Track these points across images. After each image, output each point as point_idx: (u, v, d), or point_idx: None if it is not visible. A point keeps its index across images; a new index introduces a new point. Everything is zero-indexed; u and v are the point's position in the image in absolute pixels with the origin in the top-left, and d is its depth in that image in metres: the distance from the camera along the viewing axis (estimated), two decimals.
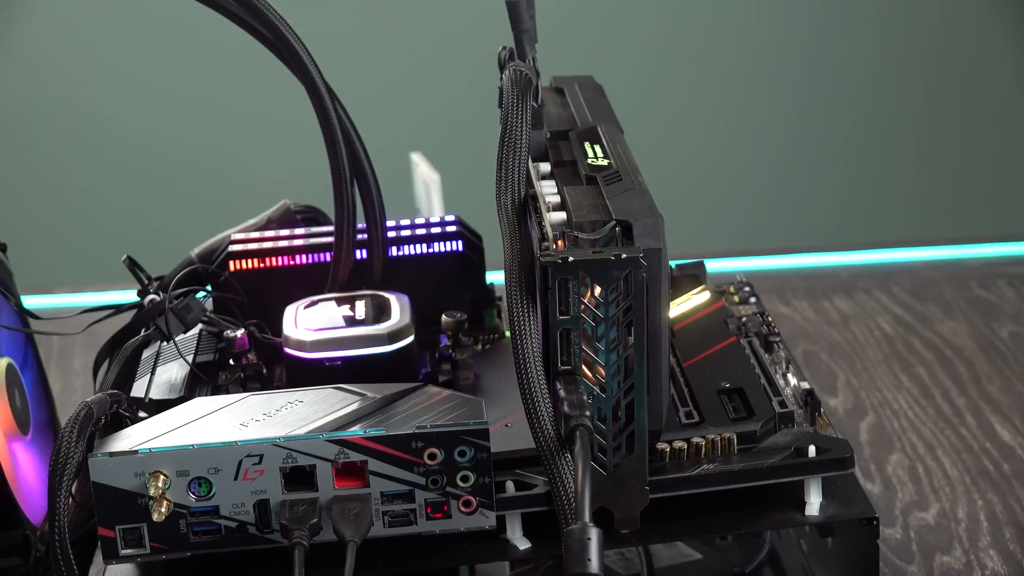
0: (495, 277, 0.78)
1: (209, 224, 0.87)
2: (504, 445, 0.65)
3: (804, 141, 1.81)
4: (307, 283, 0.79)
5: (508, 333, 0.62)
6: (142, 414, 0.69)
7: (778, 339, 0.78)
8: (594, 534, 0.52)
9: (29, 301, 0.84)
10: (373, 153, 0.78)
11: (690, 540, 0.79)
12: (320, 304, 0.75)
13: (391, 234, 0.80)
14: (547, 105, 0.77)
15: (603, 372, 0.60)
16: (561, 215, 0.64)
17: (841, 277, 1.32)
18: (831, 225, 1.81)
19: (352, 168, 0.78)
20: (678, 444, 0.66)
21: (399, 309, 0.74)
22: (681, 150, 1.79)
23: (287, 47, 0.76)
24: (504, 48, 0.74)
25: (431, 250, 0.81)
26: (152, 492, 0.61)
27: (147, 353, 0.76)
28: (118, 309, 0.82)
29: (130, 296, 0.82)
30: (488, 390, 0.73)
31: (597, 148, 0.71)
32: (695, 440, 0.66)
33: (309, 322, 0.73)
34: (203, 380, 0.74)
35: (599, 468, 0.61)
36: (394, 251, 0.80)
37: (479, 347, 0.79)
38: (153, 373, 0.74)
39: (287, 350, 0.73)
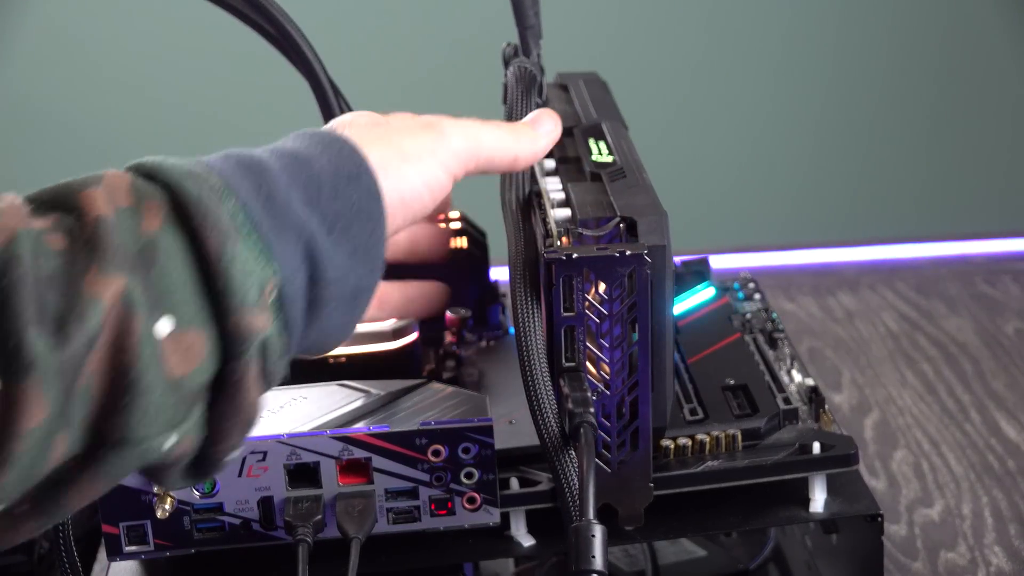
0: (499, 274, 0.78)
1: None
2: (508, 442, 0.65)
3: (808, 137, 1.81)
4: None
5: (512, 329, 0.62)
6: None
7: (782, 335, 0.77)
8: (598, 531, 0.52)
9: None
10: None
11: (694, 537, 0.79)
12: None
13: None
14: (552, 102, 0.77)
15: (607, 369, 0.60)
16: (565, 211, 0.64)
17: (846, 273, 1.32)
18: (836, 221, 1.80)
19: None
20: (682, 441, 0.66)
21: None
22: (686, 146, 1.79)
23: (291, 43, 0.76)
24: (508, 44, 0.74)
25: None
26: (156, 489, 0.61)
27: None
28: None
29: None
30: (492, 387, 0.73)
31: (602, 144, 0.70)
32: (699, 437, 0.66)
33: None
34: None
35: (603, 465, 0.61)
36: None
37: (483, 344, 0.79)
38: None
39: None
